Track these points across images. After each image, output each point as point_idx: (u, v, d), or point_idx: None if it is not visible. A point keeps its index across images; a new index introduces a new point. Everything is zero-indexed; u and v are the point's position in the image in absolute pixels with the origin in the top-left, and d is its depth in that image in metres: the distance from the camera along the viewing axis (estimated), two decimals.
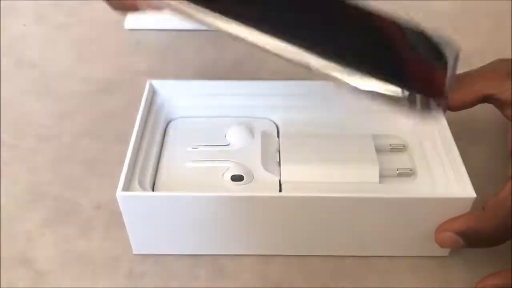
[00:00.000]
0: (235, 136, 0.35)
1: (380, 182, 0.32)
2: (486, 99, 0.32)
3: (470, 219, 0.29)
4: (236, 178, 0.32)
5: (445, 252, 0.31)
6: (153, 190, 0.31)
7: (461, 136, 0.33)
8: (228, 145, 0.34)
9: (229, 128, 0.35)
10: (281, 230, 0.30)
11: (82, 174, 0.37)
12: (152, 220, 0.30)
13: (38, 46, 0.50)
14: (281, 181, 0.32)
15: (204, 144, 0.34)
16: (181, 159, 0.33)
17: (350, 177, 0.32)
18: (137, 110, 0.34)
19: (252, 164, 0.33)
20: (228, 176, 0.32)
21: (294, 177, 0.32)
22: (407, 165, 0.33)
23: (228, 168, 0.33)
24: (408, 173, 0.33)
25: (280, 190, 0.32)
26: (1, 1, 0.56)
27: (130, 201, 0.29)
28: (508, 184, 0.29)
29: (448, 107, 0.31)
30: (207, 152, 0.34)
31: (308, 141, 0.35)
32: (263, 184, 0.32)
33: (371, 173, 0.32)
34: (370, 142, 0.34)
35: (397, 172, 0.33)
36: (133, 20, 0.52)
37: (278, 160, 0.33)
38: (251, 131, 0.35)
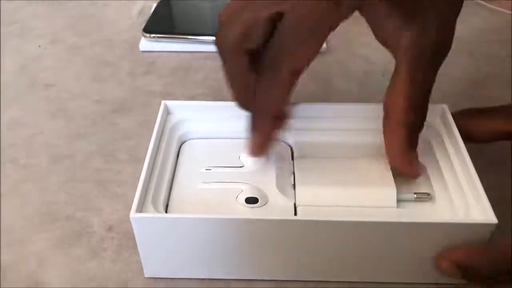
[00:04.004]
0: (249, 158, 0.34)
1: (397, 206, 0.31)
2: (507, 136, 0.32)
3: (470, 252, 0.28)
4: (251, 200, 0.31)
5: None
6: (166, 212, 0.31)
7: (479, 160, 0.32)
8: (242, 167, 0.34)
9: (243, 150, 0.35)
10: (296, 254, 0.30)
11: (94, 195, 0.37)
12: (165, 242, 0.29)
13: (53, 66, 0.50)
14: (296, 204, 0.32)
15: (217, 165, 0.34)
16: (195, 181, 0.33)
17: (367, 200, 0.32)
18: (151, 130, 0.34)
19: (266, 186, 0.32)
20: (242, 199, 0.32)
21: (309, 200, 0.32)
22: (425, 189, 0.33)
23: (242, 191, 0.32)
24: (426, 197, 0.32)
25: (295, 214, 0.31)
26: (17, 23, 0.57)
27: (144, 223, 0.29)
28: None
29: (470, 139, 0.32)
30: (221, 173, 0.33)
31: (323, 163, 0.34)
32: (277, 207, 0.31)
33: (388, 197, 0.32)
34: (387, 165, 0.33)
35: (415, 196, 0.32)
36: (147, 42, 0.52)
37: (293, 183, 0.33)
38: None
